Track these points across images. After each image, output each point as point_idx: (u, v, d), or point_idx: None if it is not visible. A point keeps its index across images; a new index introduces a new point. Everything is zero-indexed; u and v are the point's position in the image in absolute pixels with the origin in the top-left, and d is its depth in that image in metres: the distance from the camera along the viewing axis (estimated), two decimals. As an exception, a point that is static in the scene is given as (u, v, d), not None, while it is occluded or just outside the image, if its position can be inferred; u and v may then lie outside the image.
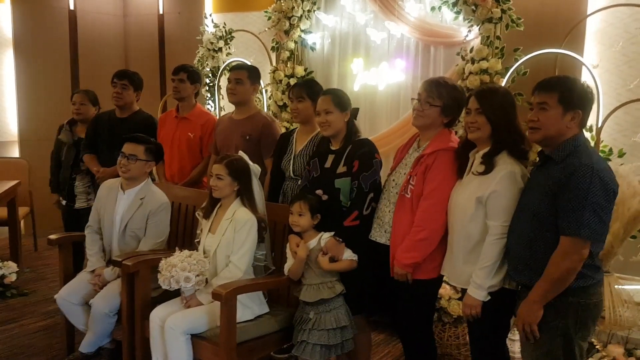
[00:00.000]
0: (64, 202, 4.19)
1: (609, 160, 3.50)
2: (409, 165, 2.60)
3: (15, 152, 5.93)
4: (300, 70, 4.79)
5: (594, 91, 2.69)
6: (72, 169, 4.09)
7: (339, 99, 2.80)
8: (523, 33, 3.89)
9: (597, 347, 3.02)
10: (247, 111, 3.49)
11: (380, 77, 4.45)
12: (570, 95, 2.10)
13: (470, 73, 3.90)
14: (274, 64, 4.98)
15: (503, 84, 3.79)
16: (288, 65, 4.78)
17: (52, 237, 3.24)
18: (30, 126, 5.89)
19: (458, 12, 3.96)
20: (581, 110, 2.11)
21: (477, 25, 3.88)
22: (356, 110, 2.88)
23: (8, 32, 5.83)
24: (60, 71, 6.17)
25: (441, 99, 2.53)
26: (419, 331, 2.65)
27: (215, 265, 2.77)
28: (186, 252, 2.72)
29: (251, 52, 5.47)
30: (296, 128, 3.28)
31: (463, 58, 3.98)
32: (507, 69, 3.85)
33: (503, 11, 3.80)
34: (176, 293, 2.78)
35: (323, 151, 2.88)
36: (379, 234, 2.66)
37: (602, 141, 3.61)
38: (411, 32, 4.38)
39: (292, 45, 4.81)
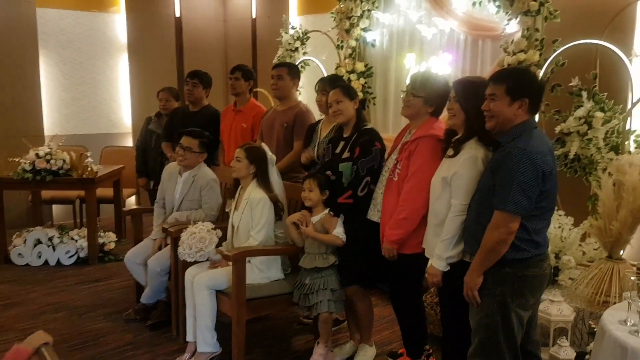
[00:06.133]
0: (152, 186, 4.95)
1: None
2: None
3: (129, 142, 6.93)
4: (360, 66, 5.15)
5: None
6: (161, 155, 4.82)
7: (347, 90, 3.17)
8: (565, 24, 3.92)
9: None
10: (288, 103, 3.96)
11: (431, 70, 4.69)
12: (517, 86, 2.29)
13: (509, 65, 4.02)
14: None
15: (540, 75, 3.87)
16: (347, 62, 5.16)
17: (125, 209, 3.95)
18: (141, 120, 6.74)
19: (499, 6, 4.10)
20: (528, 98, 2.29)
21: (516, 18, 3.99)
22: (363, 100, 3.23)
23: (123, 38, 6.82)
24: (168, 72, 7.07)
25: (424, 90, 2.80)
26: (409, 302, 2.96)
27: (240, 237, 3.25)
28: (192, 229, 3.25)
29: (324, 51, 5.89)
30: (322, 119, 3.67)
31: (505, 50, 4.11)
32: (546, 61, 3.93)
33: (541, 3, 3.88)
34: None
35: (336, 138, 3.26)
36: (373, 213, 2.99)
37: (634, 131, 3.60)
38: (459, 26, 4.56)
39: (353, 43, 5.19)
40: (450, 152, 2.59)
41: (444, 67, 4.59)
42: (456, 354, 2.60)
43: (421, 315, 3.01)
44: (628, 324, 2.12)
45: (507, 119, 2.31)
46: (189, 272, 3.24)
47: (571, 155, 3.68)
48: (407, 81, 2.90)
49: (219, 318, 3.18)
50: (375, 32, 5.16)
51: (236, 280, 2.96)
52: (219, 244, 3.31)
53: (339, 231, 3.01)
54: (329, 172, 3.15)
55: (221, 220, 3.71)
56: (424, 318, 3.03)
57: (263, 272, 3.17)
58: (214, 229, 3.29)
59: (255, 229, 3.16)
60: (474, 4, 4.30)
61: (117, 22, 6.78)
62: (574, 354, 2.99)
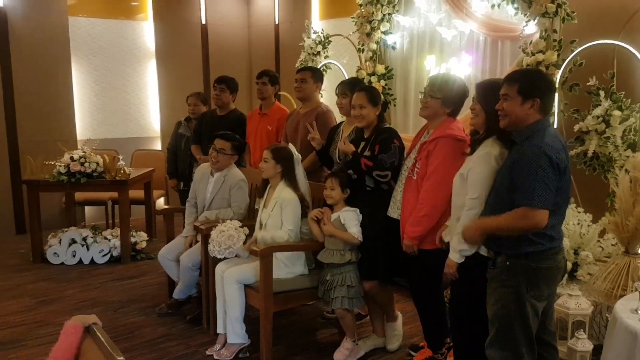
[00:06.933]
0: (181, 187, 5.15)
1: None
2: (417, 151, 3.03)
3: (157, 146, 7.15)
4: (380, 69, 5.28)
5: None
6: (190, 157, 5.02)
7: (372, 95, 3.29)
8: (583, 25, 4.00)
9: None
10: (310, 105, 4.12)
11: (450, 71, 4.78)
12: (529, 86, 2.39)
13: (528, 65, 4.11)
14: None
15: (558, 76, 3.95)
16: (368, 65, 5.29)
17: (158, 209, 4.14)
18: (169, 124, 6.97)
19: (517, 8, 4.19)
20: (539, 98, 2.39)
21: (534, 20, 4.08)
22: (385, 104, 3.35)
23: (151, 45, 7.06)
24: (194, 77, 7.30)
25: (441, 92, 2.92)
26: (429, 296, 3.09)
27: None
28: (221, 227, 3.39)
29: (346, 54, 6.03)
30: (343, 121, 3.80)
31: (524, 51, 4.20)
32: (564, 61, 4.00)
33: (558, 5, 3.95)
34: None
35: (357, 139, 3.39)
36: (393, 210, 3.13)
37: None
38: (479, 28, 4.66)
39: (374, 46, 5.32)
40: (468, 149, 2.70)
41: (464, 68, 4.68)
42: (469, 345, 2.71)
43: (441, 309, 3.12)
44: (639, 312, 2.21)
45: (519, 118, 2.41)
46: (219, 268, 3.40)
47: (590, 153, 3.76)
48: (426, 83, 3.02)
49: (247, 311, 3.34)
50: (396, 35, 5.28)
51: (264, 274, 3.12)
52: (246, 241, 3.45)
53: (354, 231, 3.14)
54: (350, 171, 3.28)
55: (248, 218, 3.88)
56: (444, 312, 3.13)
57: (288, 267, 3.32)
58: (241, 226, 3.43)
59: (288, 226, 3.31)
60: (492, 6, 4.38)
61: (145, 30, 7.02)
62: (592, 346, 3.06)
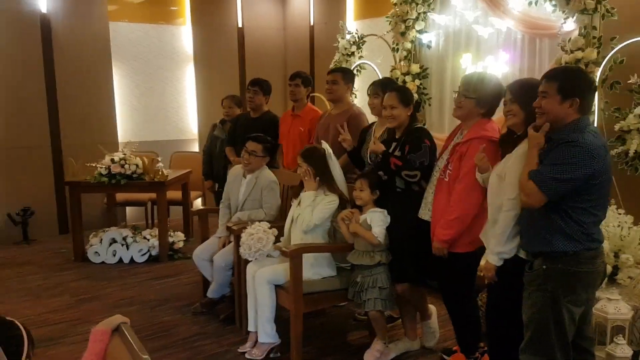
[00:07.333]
0: (216, 188, 5.22)
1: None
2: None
3: (195, 148, 7.27)
4: (415, 68, 5.23)
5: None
6: (225, 159, 5.08)
7: (403, 96, 3.25)
8: (623, 21, 3.88)
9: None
10: (341, 107, 4.11)
11: (487, 70, 4.70)
12: (568, 85, 2.32)
13: (567, 63, 4.00)
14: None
15: (598, 74, 3.84)
16: (402, 64, 5.25)
17: (193, 210, 4.21)
18: (206, 126, 7.03)
19: (555, 5, 4.09)
20: (579, 97, 2.32)
21: (572, 17, 3.97)
22: (418, 104, 3.32)
23: (189, 49, 7.18)
24: (231, 80, 7.37)
25: (476, 92, 2.86)
26: (461, 300, 3.03)
27: (297, 228, 3.41)
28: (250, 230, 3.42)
29: (380, 54, 5.99)
30: (375, 122, 3.78)
31: (563, 49, 4.09)
32: (604, 58, 3.88)
33: (598, 2, 3.84)
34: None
35: (389, 139, 3.37)
36: (424, 212, 3.08)
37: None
38: (516, 25, 4.56)
39: (409, 45, 5.28)
40: (509, 149, 2.64)
41: (502, 66, 4.59)
42: (505, 350, 2.65)
43: (474, 313, 3.06)
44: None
45: (558, 117, 2.34)
46: (250, 268, 3.43)
47: (631, 153, 3.65)
48: (460, 82, 2.98)
49: (279, 311, 3.35)
50: (431, 34, 5.22)
51: (293, 275, 3.13)
52: (276, 242, 3.47)
53: (376, 231, 3.12)
54: (380, 172, 3.26)
55: (280, 219, 3.89)
56: (478, 316, 3.08)
57: (314, 268, 3.32)
58: (270, 228, 3.44)
59: (315, 220, 3.31)
60: (530, 3, 4.28)
61: (184, 34, 7.14)
62: (631, 352, 2.97)
